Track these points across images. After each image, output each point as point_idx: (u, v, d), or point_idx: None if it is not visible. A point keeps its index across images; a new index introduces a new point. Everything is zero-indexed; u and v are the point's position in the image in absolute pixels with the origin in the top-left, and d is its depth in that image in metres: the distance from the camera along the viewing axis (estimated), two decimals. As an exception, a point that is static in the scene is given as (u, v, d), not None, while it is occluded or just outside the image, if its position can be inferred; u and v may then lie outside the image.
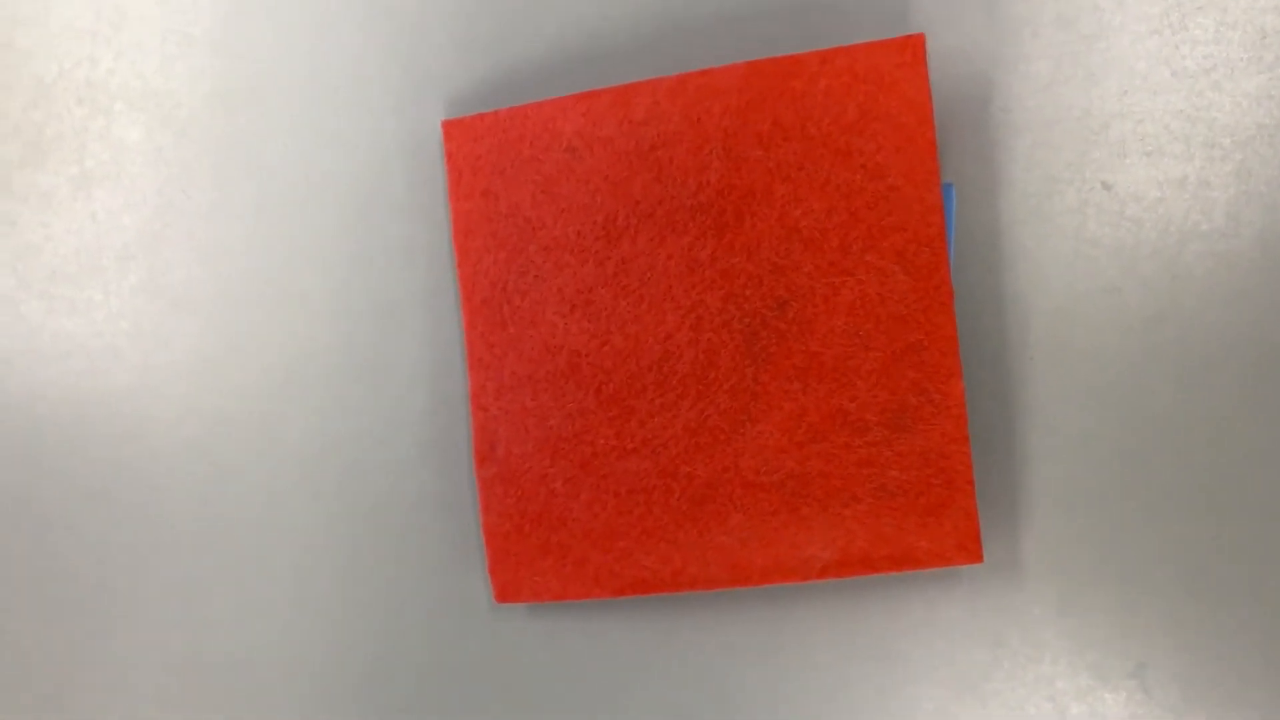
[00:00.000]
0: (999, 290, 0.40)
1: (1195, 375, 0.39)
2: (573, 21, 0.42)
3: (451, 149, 0.41)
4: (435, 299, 0.43)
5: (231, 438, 0.44)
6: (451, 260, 0.43)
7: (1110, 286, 0.39)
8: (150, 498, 0.44)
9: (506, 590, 0.41)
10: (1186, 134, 0.39)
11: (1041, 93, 0.40)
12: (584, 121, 0.40)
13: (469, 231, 0.41)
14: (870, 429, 0.38)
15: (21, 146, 0.46)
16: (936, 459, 0.37)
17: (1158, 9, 0.39)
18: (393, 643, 0.43)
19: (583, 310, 0.40)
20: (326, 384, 0.43)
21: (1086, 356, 0.39)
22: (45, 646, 0.45)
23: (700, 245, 0.39)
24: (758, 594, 0.41)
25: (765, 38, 0.41)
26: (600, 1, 0.42)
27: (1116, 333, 0.39)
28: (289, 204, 0.44)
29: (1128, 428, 0.39)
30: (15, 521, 0.45)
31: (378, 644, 0.43)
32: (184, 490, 0.44)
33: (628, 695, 0.41)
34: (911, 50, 0.37)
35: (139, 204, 0.45)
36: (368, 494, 0.43)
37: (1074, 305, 0.39)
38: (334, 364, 0.43)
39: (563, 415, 0.40)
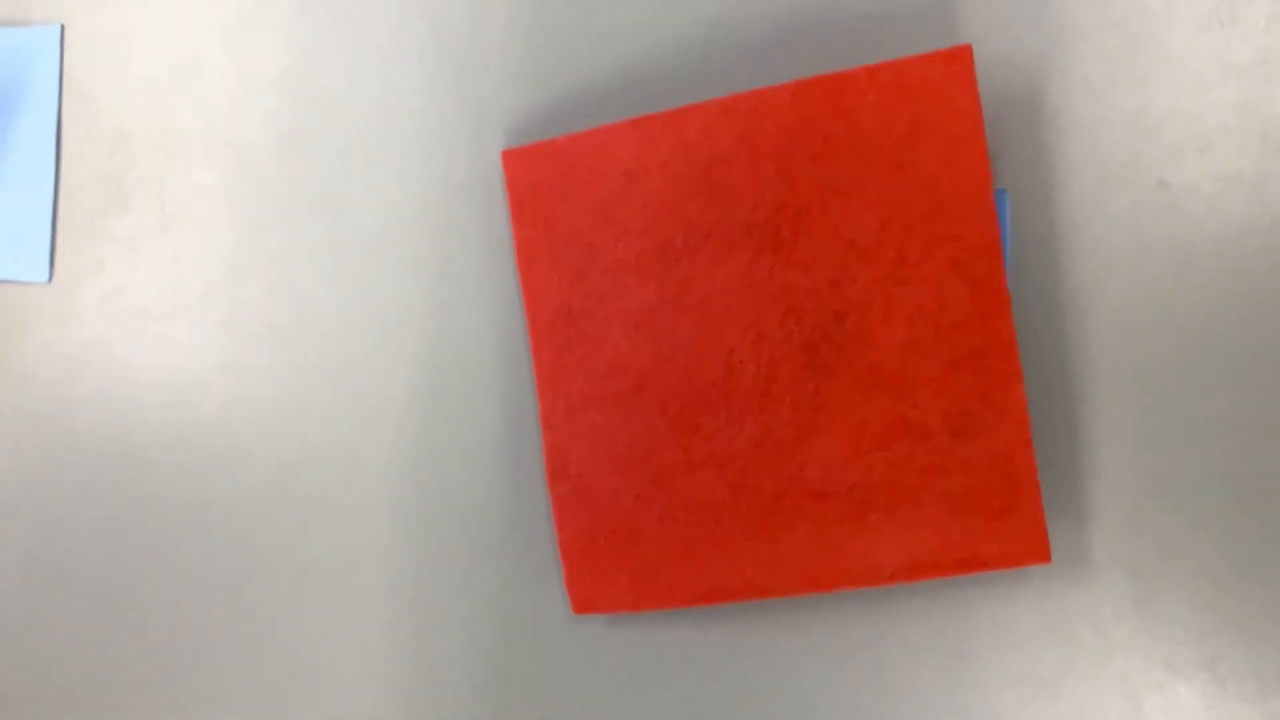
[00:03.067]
0: (1057, 293, 0.40)
1: (1258, 370, 0.39)
2: (624, 50, 0.43)
3: (512, 178, 0.42)
4: (506, 324, 0.44)
5: (317, 465, 0.46)
6: (518, 286, 0.44)
7: (1169, 285, 0.39)
8: (241, 525, 0.46)
9: (584, 602, 0.42)
10: (1241, 128, 0.39)
11: (1093, 94, 0.40)
12: (639, 146, 0.41)
13: (532, 257, 0.42)
14: (933, 436, 0.38)
15: (105, 193, 0.48)
16: (1001, 463, 0.38)
17: (1206, 5, 0.39)
18: (476, 654, 0.44)
19: (646, 330, 0.41)
20: (405, 410, 0.45)
21: (1147, 355, 0.39)
22: (146, 670, 0.47)
23: (758, 263, 0.40)
24: (829, 598, 0.42)
25: (813, 56, 0.41)
26: (651, 29, 0.43)
27: (1176, 331, 0.39)
28: (360, 239, 0.45)
29: (1190, 424, 0.39)
30: (114, 553, 0.47)
31: (463, 657, 0.44)
32: (274, 515, 0.46)
33: (703, 700, 0.42)
34: (959, 61, 0.37)
35: (218, 244, 0.47)
36: (448, 515, 0.45)
37: (1133, 305, 0.39)
38: (411, 390, 0.45)
39: (631, 433, 0.41)
